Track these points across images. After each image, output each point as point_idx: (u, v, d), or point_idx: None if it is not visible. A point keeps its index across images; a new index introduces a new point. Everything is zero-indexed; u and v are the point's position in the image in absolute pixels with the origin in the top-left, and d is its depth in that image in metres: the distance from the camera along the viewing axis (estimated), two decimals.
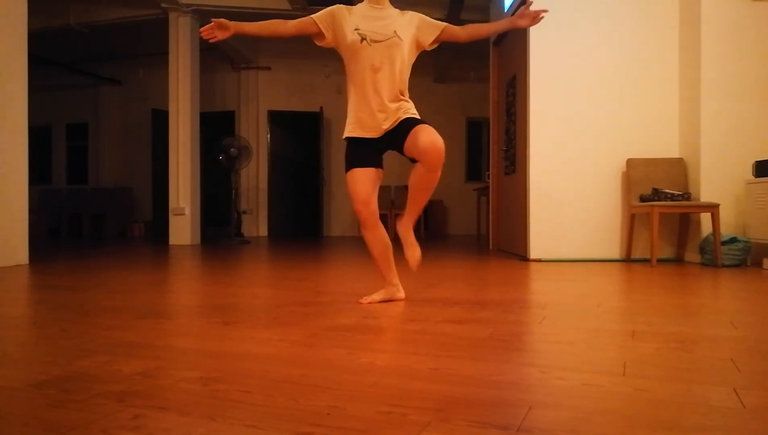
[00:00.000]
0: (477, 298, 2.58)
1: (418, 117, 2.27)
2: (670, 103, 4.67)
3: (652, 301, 2.47)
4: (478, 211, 8.83)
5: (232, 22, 2.23)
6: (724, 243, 4.09)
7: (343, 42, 2.25)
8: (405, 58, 2.25)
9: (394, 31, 2.21)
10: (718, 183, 4.31)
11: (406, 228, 2.37)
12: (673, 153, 4.67)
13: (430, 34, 2.30)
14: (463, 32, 2.32)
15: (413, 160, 2.23)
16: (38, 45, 6.63)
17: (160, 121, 8.62)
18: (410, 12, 2.34)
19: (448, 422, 1.02)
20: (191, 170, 7.36)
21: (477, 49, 5.90)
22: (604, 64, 4.70)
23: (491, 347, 1.61)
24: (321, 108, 9.55)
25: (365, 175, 2.26)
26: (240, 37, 2.28)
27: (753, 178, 4.08)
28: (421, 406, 1.10)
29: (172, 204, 7.36)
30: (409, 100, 2.31)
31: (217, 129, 9.15)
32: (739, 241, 4.08)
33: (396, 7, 2.36)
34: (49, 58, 8.79)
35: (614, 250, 4.71)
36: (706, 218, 4.32)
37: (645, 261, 4.56)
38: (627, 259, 4.60)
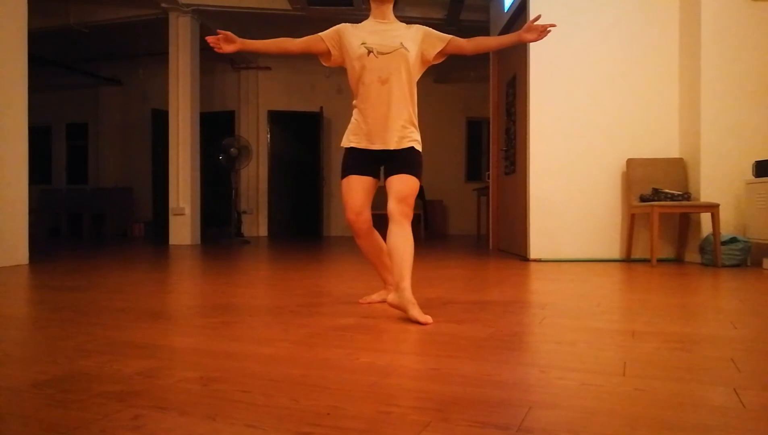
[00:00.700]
0: (477, 298, 2.58)
1: (420, 149, 2.26)
2: (670, 103, 4.67)
3: (652, 301, 2.47)
4: (478, 211, 8.83)
5: (240, 38, 2.23)
6: (724, 243, 4.09)
7: (349, 57, 2.25)
8: (411, 69, 2.24)
9: (401, 43, 2.21)
10: (718, 183, 4.31)
11: (401, 291, 2.09)
12: (673, 153, 4.67)
13: (436, 46, 2.30)
14: (469, 45, 2.32)
15: None
16: (38, 45, 6.62)
17: (160, 121, 8.62)
18: (416, 25, 2.35)
19: (448, 422, 1.02)
20: (191, 170, 7.36)
21: None
22: (604, 64, 4.70)
23: (491, 347, 1.61)
24: (321, 108, 9.55)
25: (361, 182, 2.25)
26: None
27: (753, 178, 4.08)
28: (421, 406, 1.10)
29: (172, 204, 7.36)
30: (417, 129, 2.30)
31: (217, 129, 9.15)
32: (739, 241, 4.08)
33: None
34: (49, 58, 8.78)
35: (614, 250, 4.71)
36: (706, 218, 4.32)
37: (645, 261, 4.56)
38: (627, 259, 4.60)
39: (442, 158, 9.75)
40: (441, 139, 9.70)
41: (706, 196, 4.31)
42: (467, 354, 1.53)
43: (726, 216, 4.27)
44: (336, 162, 9.73)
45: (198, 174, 7.55)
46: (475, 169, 10.20)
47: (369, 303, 2.44)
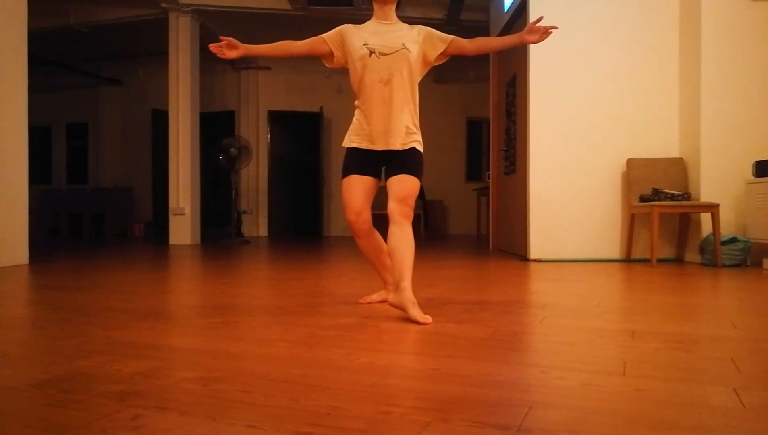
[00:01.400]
0: (477, 298, 2.58)
1: (421, 150, 2.26)
2: (670, 103, 4.67)
3: (652, 301, 2.47)
4: (478, 211, 8.83)
5: (242, 43, 2.23)
6: (724, 243, 4.09)
7: (351, 57, 2.25)
8: (413, 70, 2.24)
9: (403, 43, 2.21)
10: (718, 183, 4.31)
11: (401, 290, 2.09)
12: (673, 153, 4.67)
13: (438, 47, 2.30)
14: (471, 45, 2.31)
15: None
16: (38, 45, 6.62)
17: (160, 121, 8.61)
18: (419, 26, 2.35)
19: (448, 422, 1.02)
20: (191, 170, 7.36)
21: None
22: (604, 64, 4.70)
23: (491, 347, 1.61)
24: (321, 108, 9.55)
25: (361, 182, 2.25)
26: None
27: (753, 178, 4.08)
28: (421, 406, 1.10)
29: (172, 204, 7.36)
30: (418, 130, 2.30)
31: (217, 129, 9.15)
32: (739, 241, 4.08)
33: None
34: (49, 58, 8.78)
35: (614, 250, 4.71)
36: (706, 218, 4.32)
37: (645, 261, 4.56)
38: (627, 259, 4.60)
39: (443, 158, 9.75)
40: (441, 139, 9.70)
41: (706, 196, 4.31)
42: (467, 354, 1.53)
43: (726, 216, 4.27)
44: (336, 162, 9.73)
45: (198, 174, 7.55)
46: (475, 169, 10.20)
47: (369, 303, 2.44)
